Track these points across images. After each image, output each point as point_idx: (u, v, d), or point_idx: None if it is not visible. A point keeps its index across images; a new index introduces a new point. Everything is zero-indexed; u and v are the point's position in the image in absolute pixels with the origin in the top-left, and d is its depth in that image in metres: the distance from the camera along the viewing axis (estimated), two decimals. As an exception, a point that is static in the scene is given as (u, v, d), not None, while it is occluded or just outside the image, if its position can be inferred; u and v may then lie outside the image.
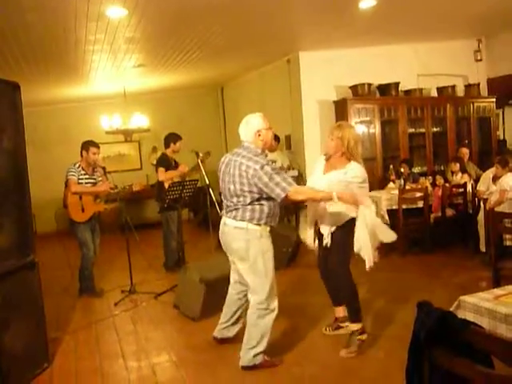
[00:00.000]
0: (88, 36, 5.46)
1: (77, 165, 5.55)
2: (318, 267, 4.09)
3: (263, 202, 3.43)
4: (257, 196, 3.40)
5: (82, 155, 5.58)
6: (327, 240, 3.81)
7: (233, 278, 3.94)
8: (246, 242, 3.45)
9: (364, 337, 3.78)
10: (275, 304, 3.58)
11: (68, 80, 7.98)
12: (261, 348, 3.54)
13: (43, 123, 10.28)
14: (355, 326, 3.79)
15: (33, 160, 10.58)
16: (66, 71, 7.26)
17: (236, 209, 3.47)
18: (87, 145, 5.55)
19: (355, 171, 3.69)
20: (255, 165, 3.34)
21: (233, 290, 3.96)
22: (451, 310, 2.34)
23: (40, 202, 10.00)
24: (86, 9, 4.51)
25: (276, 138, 8.04)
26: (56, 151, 9.86)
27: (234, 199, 3.48)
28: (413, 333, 1.83)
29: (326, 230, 3.82)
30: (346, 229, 3.71)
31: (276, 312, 3.59)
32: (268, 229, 3.54)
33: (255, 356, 3.54)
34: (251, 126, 3.61)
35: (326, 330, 4.18)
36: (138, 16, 4.95)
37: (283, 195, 3.29)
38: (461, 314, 2.27)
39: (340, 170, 3.72)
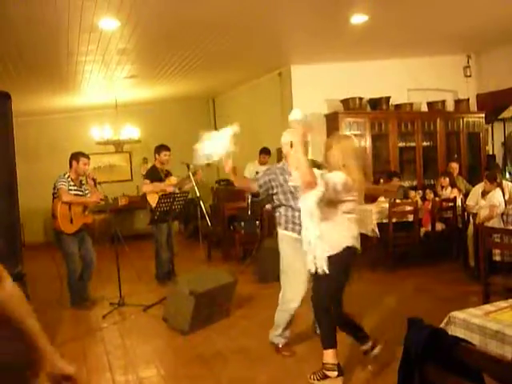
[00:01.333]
0: (80, 47, 5.47)
1: (66, 175, 5.51)
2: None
3: (279, 208, 3.90)
4: (276, 202, 3.91)
5: (71, 165, 5.54)
6: None
7: None
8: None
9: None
10: (289, 307, 3.88)
11: (59, 90, 7.97)
12: (275, 333, 4.05)
13: (34, 133, 10.23)
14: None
15: (22, 170, 10.48)
16: (58, 81, 7.25)
17: None
18: (78, 155, 5.51)
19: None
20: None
21: None
22: (441, 325, 2.34)
23: (29, 212, 9.93)
24: (79, 20, 4.52)
25: (267, 151, 8.07)
26: (46, 161, 9.79)
27: None
28: (403, 349, 1.82)
29: None
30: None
31: (289, 313, 3.92)
32: (291, 235, 3.79)
33: (272, 337, 4.07)
34: None
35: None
36: (131, 28, 4.97)
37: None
38: (451, 330, 2.27)
39: None
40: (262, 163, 7.99)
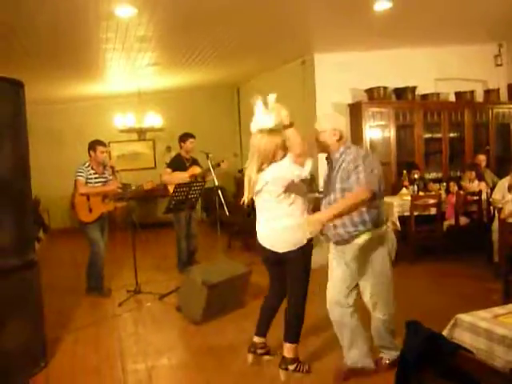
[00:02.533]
0: (99, 35, 5.47)
1: (86, 164, 5.55)
2: None
3: None
4: None
5: (90, 155, 5.57)
6: None
7: None
8: None
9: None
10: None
11: (82, 78, 8.02)
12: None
13: (58, 121, 10.37)
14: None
15: (47, 157, 10.74)
16: (80, 70, 7.28)
17: None
18: (94, 144, 5.54)
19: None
20: None
21: None
22: (448, 327, 2.24)
23: (55, 199, 10.15)
24: (96, 8, 4.49)
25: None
26: (71, 149, 9.89)
27: None
28: (401, 354, 1.74)
29: None
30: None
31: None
32: None
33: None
34: None
35: None
36: (148, 15, 4.93)
37: None
38: (457, 333, 2.18)
39: None
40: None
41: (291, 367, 3.44)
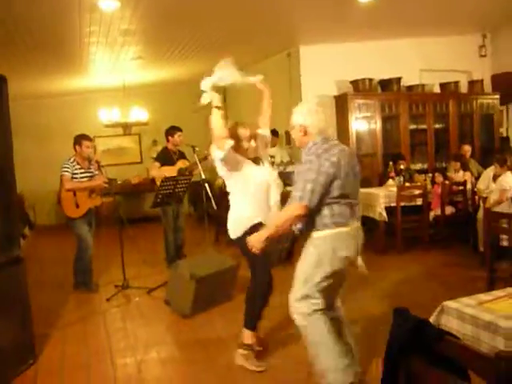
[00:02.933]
0: (83, 28, 5.41)
1: (71, 159, 5.49)
2: None
3: None
4: None
5: (75, 149, 5.52)
6: None
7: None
8: None
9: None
10: None
11: (66, 72, 7.94)
12: None
13: (43, 116, 10.27)
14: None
15: (33, 152, 10.62)
16: (64, 64, 7.21)
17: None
18: (80, 139, 5.49)
19: None
20: None
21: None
22: (435, 314, 2.27)
23: (40, 195, 10.05)
24: (78, 0, 4.44)
25: (275, 132, 7.96)
26: (56, 144, 9.81)
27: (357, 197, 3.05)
28: (388, 341, 1.76)
29: None
30: None
31: None
32: None
33: None
34: None
35: None
36: (131, 8, 4.89)
37: None
38: (444, 320, 2.20)
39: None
40: (271, 145, 7.90)
41: (239, 351, 3.57)
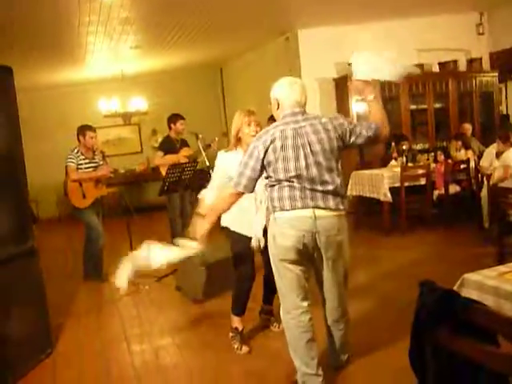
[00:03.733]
0: (81, 17, 5.38)
1: (75, 150, 5.49)
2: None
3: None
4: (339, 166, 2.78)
5: (79, 140, 5.52)
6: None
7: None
8: (346, 233, 2.83)
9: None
10: None
11: (64, 63, 7.90)
12: None
13: (41, 108, 10.23)
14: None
15: (31, 146, 10.57)
16: (62, 54, 7.17)
17: (334, 193, 2.68)
18: (83, 129, 5.48)
19: None
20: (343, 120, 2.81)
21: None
22: (455, 288, 2.30)
23: (42, 188, 10.03)
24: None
25: (272, 118, 7.95)
26: (55, 136, 9.80)
27: (327, 177, 2.67)
28: (415, 313, 1.79)
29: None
30: None
31: None
32: None
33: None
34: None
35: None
36: (132, -5, 4.86)
37: None
38: (465, 293, 2.23)
39: None
40: None
41: (230, 334, 3.74)
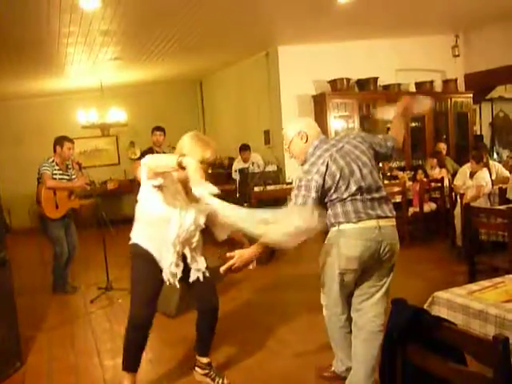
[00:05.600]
0: (62, 28, 5.36)
1: (50, 159, 5.44)
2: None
3: None
4: None
5: (55, 151, 5.46)
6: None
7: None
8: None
9: None
10: None
11: (43, 73, 7.84)
12: None
13: (17, 117, 10.11)
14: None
15: (6, 155, 10.44)
16: (41, 64, 7.12)
17: (387, 199, 2.86)
18: (62, 140, 5.43)
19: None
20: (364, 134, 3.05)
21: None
22: (426, 305, 2.34)
23: (14, 198, 9.84)
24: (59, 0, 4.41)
25: (246, 147, 8.02)
26: (31, 146, 9.68)
27: (380, 183, 2.85)
28: (386, 330, 1.82)
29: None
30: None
31: None
32: None
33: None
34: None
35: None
36: (113, 8, 4.87)
37: None
38: (435, 310, 2.27)
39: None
40: (245, 160, 7.96)
41: None
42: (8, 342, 3.61)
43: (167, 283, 3.05)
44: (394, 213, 2.85)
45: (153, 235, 2.96)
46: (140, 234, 3.03)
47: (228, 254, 2.69)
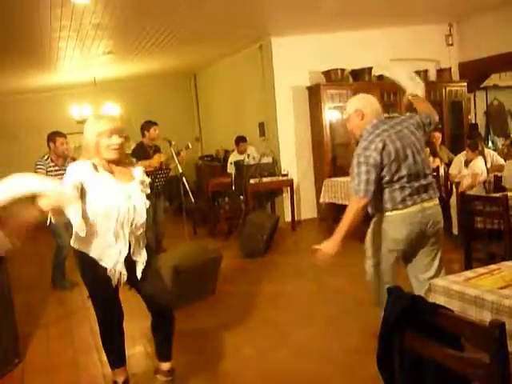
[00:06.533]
0: (53, 23, 5.33)
1: (45, 157, 5.42)
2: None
3: None
4: None
5: (49, 147, 5.44)
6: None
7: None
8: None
9: None
10: None
11: (36, 68, 7.80)
12: None
13: (11, 114, 10.05)
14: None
15: (1, 151, 10.39)
16: (33, 59, 7.08)
17: (432, 183, 3.09)
18: (54, 136, 5.41)
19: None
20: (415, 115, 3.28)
21: None
22: (422, 293, 2.35)
23: (10, 194, 9.82)
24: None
25: (243, 139, 8.00)
26: (25, 142, 9.63)
27: (427, 170, 3.08)
28: (383, 317, 1.82)
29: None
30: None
31: None
32: None
33: None
34: None
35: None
36: (103, 1, 4.83)
37: None
38: (432, 298, 2.28)
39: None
40: (241, 152, 7.94)
41: None
42: (6, 339, 3.61)
43: (114, 283, 2.91)
44: (438, 193, 3.14)
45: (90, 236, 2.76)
46: (77, 239, 2.84)
47: (314, 247, 3.03)
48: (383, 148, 2.88)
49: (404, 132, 2.98)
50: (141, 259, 2.96)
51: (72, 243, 2.90)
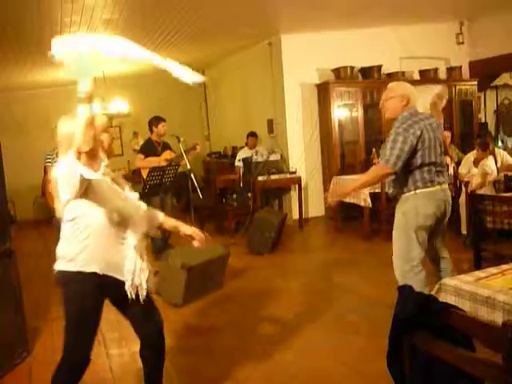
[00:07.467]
0: (63, 18, 5.32)
1: (55, 151, 5.42)
2: None
3: None
4: None
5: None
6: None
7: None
8: None
9: None
10: None
11: (45, 64, 7.79)
12: None
13: (20, 108, 10.09)
14: None
15: (10, 147, 10.41)
16: (43, 54, 7.07)
17: (445, 172, 3.57)
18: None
19: None
20: None
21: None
22: (432, 293, 2.33)
23: (19, 190, 9.87)
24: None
25: (254, 134, 8.03)
26: (34, 137, 9.66)
27: (444, 161, 3.65)
28: (393, 317, 1.81)
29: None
30: None
31: None
32: None
33: None
34: None
35: None
36: (114, -3, 4.83)
37: None
38: (442, 297, 2.26)
39: None
40: (251, 147, 7.99)
41: None
42: (15, 333, 3.63)
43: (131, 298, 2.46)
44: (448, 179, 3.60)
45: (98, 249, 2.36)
46: (80, 257, 2.35)
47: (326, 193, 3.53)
48: (420, 135, 3.28)
49: (434, 126, 3.40)
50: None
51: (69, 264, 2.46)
